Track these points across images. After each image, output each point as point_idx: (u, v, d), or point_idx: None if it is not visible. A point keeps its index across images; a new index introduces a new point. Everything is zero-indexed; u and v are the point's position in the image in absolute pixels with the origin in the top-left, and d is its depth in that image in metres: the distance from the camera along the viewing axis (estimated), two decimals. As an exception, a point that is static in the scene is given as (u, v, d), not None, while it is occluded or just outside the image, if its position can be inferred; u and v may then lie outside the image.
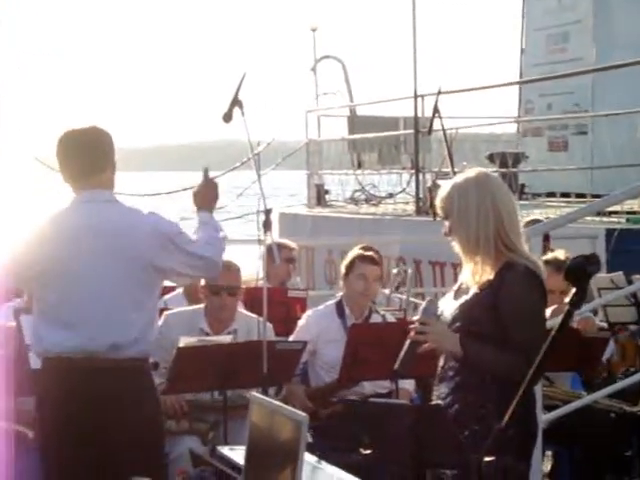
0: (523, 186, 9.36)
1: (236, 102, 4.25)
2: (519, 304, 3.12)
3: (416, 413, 2.89)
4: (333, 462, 2.96)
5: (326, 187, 11.69)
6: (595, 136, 9.58)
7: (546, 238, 5.01)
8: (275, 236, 4.62)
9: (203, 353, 4.33)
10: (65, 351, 3.48)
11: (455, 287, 3.37)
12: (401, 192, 10.92)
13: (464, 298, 3.24)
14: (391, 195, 11.02)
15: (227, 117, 4.27)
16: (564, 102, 10.34)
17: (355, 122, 11.74)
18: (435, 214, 6.73)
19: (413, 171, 9.70)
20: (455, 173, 5.21)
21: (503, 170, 8.67)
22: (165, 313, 4.65)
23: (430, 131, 5.29)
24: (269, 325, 4.42)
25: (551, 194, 9.14)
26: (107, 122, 3.72)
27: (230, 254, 3.82)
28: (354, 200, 11.25)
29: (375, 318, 5.00)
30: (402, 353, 3.18)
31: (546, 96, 10.61)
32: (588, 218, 5.92)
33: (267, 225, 4.34)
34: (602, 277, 5.14)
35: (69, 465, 3.47)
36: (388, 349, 4.40)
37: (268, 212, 4.33)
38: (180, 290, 5.42)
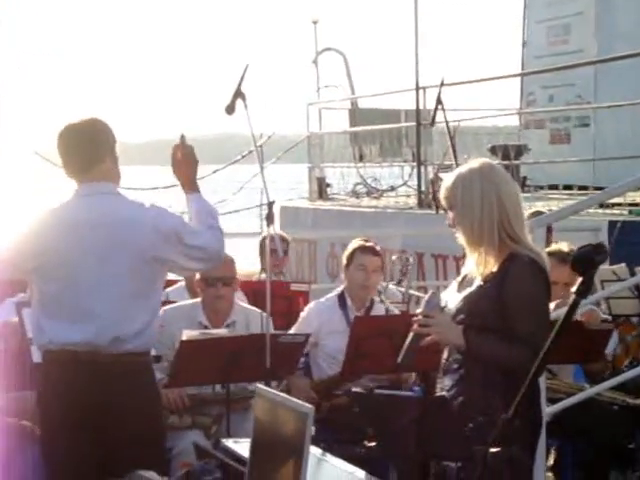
0: (525, 178, 9.34)
1: (239, 94, 4.23)
2: (523, 296, 3.11)
3: (421, 405, 2.89)
4: (338, 454, 2.96)
5: (327, 180, 11.67)
6: (597, 128, 9.56)
7: (548, 230, 5.01)
8: (276, 229, 4.60)
9: (206, 346, 4.32)
10: (69, 344, 3.48)
11: (458, 279, 3.37)
12: (403, 185, 10.91)
13: (468, 290, 3.23)
14: (393, 188, 11.01)
15: (230, 109, 4.25)
16: (566, 94, 10.31)
17: (356, 115, 11.71)
18: (438, 207, 6.72)
19: (415, 164, 9.68)
20: (458, 166, 5.19)
21: (505, 162, 8.65)
22: (163, 308, 4.66)
23: (433, 123, 5.27)
24: (265, 317, 4.41)
25: (553, 186, 9.12)
26: (106, 115, 3.71)
27: (231, 247, 3.80)
28: (356, 193, 11.24)
29: (377, 308, 5.01)
30: (405, 346, 3.17)
31: (548, 88, 10.59)
32: (591, 210, 5.91)
33: (269, 218, 4.33)
34: (605, 269, 5.13)
35: (70, 459, 3.47)
36: (391, 342, 4.41)
37: (271, 205, 4.32)
38: (182, 283, 5.42)
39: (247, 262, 7.83)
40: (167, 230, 3.54)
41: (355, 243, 5.08)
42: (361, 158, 11.38)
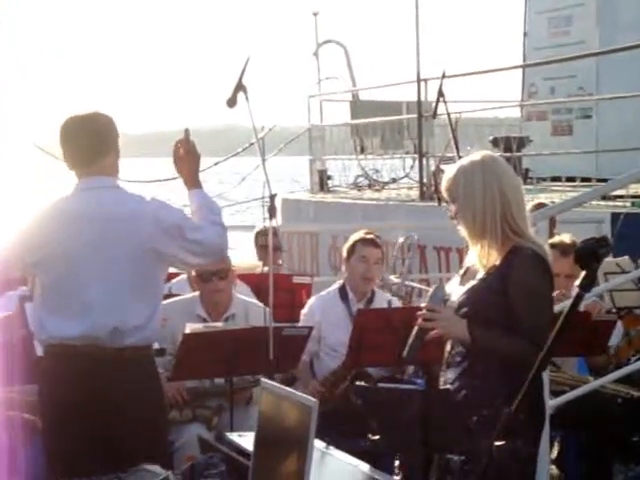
0: (527, 170, 9.32)
1: (240, 87, 4.22)
2: (527, 288, 3.10)
3: (425, 399, 2.88)
4: (341, 448, 2.96)
5: (329, 173, 11.65)
6: (599, 119, 9.54)
7: (551, 222, 4.99)
8: (278, 222, 4.59)
9: (209, 339, 4.32)
10: (68, 338, 3.47)
11: (461, 272, 3.36)
12: (404, 177, 10.89)
13: (471, 283, 3.22)
14: (394, 180, 10.99)
15: (231, 102, 4.24)
16: (568, 85, 10.28)
17: (358, 107, 11.69)
18: (440, 199, 6.70)
19: (416, 156, 9.67)
20: (460, 158, 5.18)
21: (507, 154, 8.63)
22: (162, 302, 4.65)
23: (435, 115, 5.26)
24: (268, 310, 4.42)
25: (556, 178, 9.11)
26: (106, 108, 3.69)
27: (231, 240, 3.79)
28: (357, 185, 11.22)
29: (378, 300, 5.02)
30: (410, 340, 3.17)
31: (549, 80, 10.55)
32: (594, 202, 5.90)
33: (272, 211, 4.33)
34: (608, 261, 5.11)
35: (72, 452, 3.46)
36: (394, 335, 4.41)
37: (273, 198, 4.31)
38: (184, 276, 5.42)
39: (249, 255, 7.82)
40: (168, 224, 3.52)
41: (356, 235, 5.09)
42: (362, 150, 11.36)
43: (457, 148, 5.06)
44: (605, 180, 7.13)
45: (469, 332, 3.12)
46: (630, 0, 9.91)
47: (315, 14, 12.08)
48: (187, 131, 3.69)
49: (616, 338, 4.89)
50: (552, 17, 10.71)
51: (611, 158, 8.67)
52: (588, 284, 2.30)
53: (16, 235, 3.59)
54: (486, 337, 3.13)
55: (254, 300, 5.03)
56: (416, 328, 3.18)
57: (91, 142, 3.56)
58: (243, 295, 5.04)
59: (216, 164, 11.61)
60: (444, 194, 3.26)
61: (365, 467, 2.80)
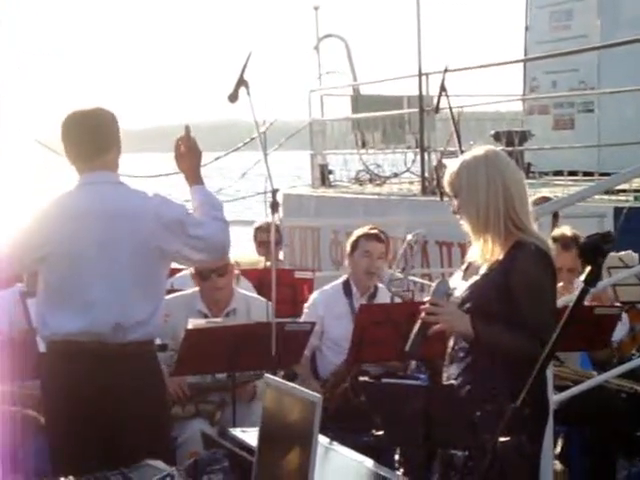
0: (529, 165, 9.30)
1: (242, 82, 4.21)
2: (530, 284, 3.10)
3: (429, 394, 2.87)
4: (345, 443, 2.95)
5: (330, 167, 11.63)
6: (601, 113, 9.51)
7: (555, 217, 4.98)
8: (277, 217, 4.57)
9: (211, 335, 4.32)
10: (71, 334, 3.47)
11: (464, 267, 3.35)
12: (405, 172, 10.86)
13: (474, 278, 3.22)
14: (396, 175, 10.96)
15: (233, 97, 4.23)
16: (569, 79, 10.26)
17: (359, 101, 11.66)
18: (442, 194, 6.69)
19: (418, 150, 9.64)
20: (463, 152, 5.17)
21: (509, 149, 8.61)
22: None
23: (437, 110, 5.24)
24: (271, 305, 4.41)
25: (558, 172, 9.08)
26: (106, 103, 3.69)
27: (233, 235, 3.78)
28: (358, 180, 11.19)
29: (381, 295, 5.02)
30: (412, 334, 3.16)
31: (551, 74, 10.52)
32: (596, 196, 5.87)
33: (274, 206, 4.32)
34: (611, 256, 5.09)
35: (75, 448, 3.46)
36: (396, 330, 4.41)
37: (275, 193, 4.30)
38: (186, 271, 5.41)
39: (249, 250, 7.81)
40: (170, 219, 3.52)
41: (360, 230, 5.10)
42: (363, 145, 11.33)
43: (459, 142, 5.04)
44: (607, 174, 7.10)
45: (472, 327, 3.12)
46: (631, -7, 9.87)
47: (316, 8, 12.04)
48: (188, 128, 3.68)
49: (621, 332, 4.87)
50: (554, 11, 10.68)
51: (613, 152, 8.64)
52: (593, 279, 2.29)
53: (19, 232, 3.58)
54: (489, 332, 3.12)
55: (255, 295, 5.02)
56: (419, 322, 3.17)
57: (94, 137, 3.56)
58: (244, 289, 5.04)
59: (217, 159, 11.59)
60: (447, 188, 3.25)
61: (369, 462, 2.79)
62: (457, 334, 3.22)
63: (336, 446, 2.90)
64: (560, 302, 3.54)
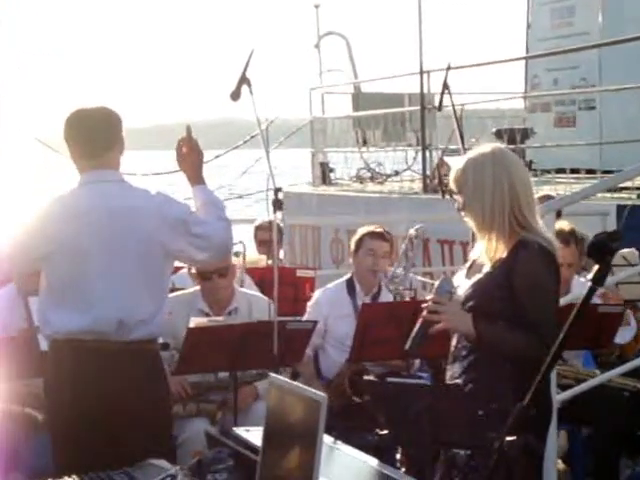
0: (531, 162, 9.28)
1: (244, 80, 4.20)
2: (534, 283, 3.08)
3: (433, 393, 2.86)
4: (349, 443, 2.94)
5: (331, 165, 11.61)
6: (603, 111, 9.49)
7: (558, 215, 4.96)
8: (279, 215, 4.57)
9: (213, 333, 4.31)
10: (73, 332, 3.46)
11: (467, 265, 3.34)
12: (407, 169, 10.85)
13: (477, 277, 3.20)
14: (397, 173, 10.94)
15: (235, 95, 4.22)
16: (570, 77, 10.24)
17: (360, 99, 11.65)
18: (444, 192, 6.67)
19: (419, 148, 9.63)
20: (465, 150, 5.15)
21: (511, 146, 8.59)
22: None
23: (440, 108, 5.22)
24: (272, 304, 4.40)
25: (560, 170, 9.07)
26: (106, 101, 3.68)
27: (234, 234, 3.77)
28: (359, 178, 11.18)
29: (385, 294, 5.00)
30: (413, 332, 3.14)
31: (552, 71, 10.51)
32: (599, 194, 5.85)
33: (276, 204, 4.30)
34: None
35: (78, 447, 3.45)
36: (399, 329, 4.39)
37: (277, 191, 4.28)
38: (185, 270, 5.40)
39: (249, 249, 7.79)
40: (173, 218, 3.52)
41: (364, 229, 5.08)
42: (364, 142, 11.32)
43: (462, 140, 5.03)
44: (610, 172, 7.09)
45: (474, 327, 3.10)
46: (634, -10, 9.84)
47: (316, 6, 12.03)
48: (189, 128, 3.69)
49: (630, 333, 4.85)
50: (555, 8, 10.65)
51: (615, 149, 8.63)
52: (601, 278, 2.28)
53: (21, 231, 3.57)
54: (491, 332, 3.11)
55: (257, 293, 5.01)
56: (420, 320, 3.15)
57: (98, 135, 3.55)
58: (248, 289, 5.03)
59: (217, 157, 11.58)
60: (452, 185, 3.23)
61: (374, 462, 2.78)
62: (459, 333, 3.20)
63: (340, 445, 2.89)
64: (563, 301, 3.53)
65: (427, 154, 9.28)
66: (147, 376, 3.52)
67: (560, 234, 4.63)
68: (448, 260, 7.83)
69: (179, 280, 5.33)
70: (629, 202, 6.58)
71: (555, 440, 3.99)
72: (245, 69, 4.19)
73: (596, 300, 4.51)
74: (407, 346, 3.13)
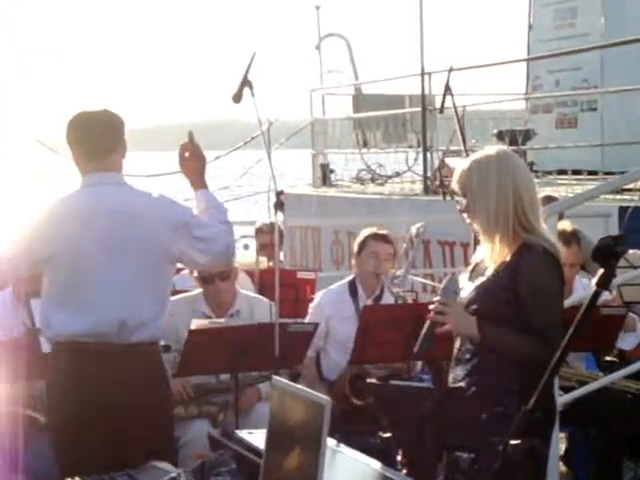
0: (532, 164, 9.28)
1: (246, 82, 4.19)
2: (538, 288, 3.07)
3: (437, 396, 2.84)
4: (352, 445, 2.93)
5: (331, 167, 11.61)
6: (605, 112, 9.49)
7: (560, 217, 4.95)
8: (280, 217, 4.56)
9: (214, 335, 4.30)
10: (75, 334, 3.45)
11: (469, 268, 3.33)
12: (407, 171, 10.85)
13: (480, 280, 3.19)
14: (397, 174, 10.95)
15: (237, 97, 4.22)
16: (572, 78, 10.24)
17: (360, 100, 11.65)
18: (444, 193, 6.66)
19: (419, 149, 9.63)
20: (467, 151, 5.14)
21: (513, 148, 8.59)
22: None
23: (442, 110, 5.22)
24: (274, 306, 4.39)
25: (562, 171, 9.07)
26: (106, 102, 3.67)
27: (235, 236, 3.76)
28: (360, 179, 11.18)
29: (387, 297, 4.98)
30: (421, 335, 3.13)
31: (554, 72, 10.51)
32: (601, 196, 5.84)
33: (278, 207, 4.29)
34: (616, 255, 5.04)
35: (80, 449, 3.44)
36: (401, 331, 4.39)
37: (279, 194, 4.27)
38: (186, 271, 5.39)
39: (251, 250, 7.77)
40: (175, 220, 3.52)
41: (367, 231, 5.06)
42: (365, 144, 11.32)
43: (464, 142, 5.02)
44: (611, 173, 7.08)
45: (479, 329, 3.09)
46: (636, -9, 9.83)
47: (317, 7, 12.04)
48: (191, 133, 3.70)
49: (636, 340, 4.83)
50: (557, 9, 10.64)
51: (617, 151, 8.63)
52: (606, 282, 2.27)
53: (23, 233, 3.56)
54: (495, 335, 3.10)
55: (258, 295, 5.00)
56: (428, 322, 3.14)
57: (100, 138, 3.56)
58: (244, 287, 5.01)
59: (217, 158, 11.57)
60: (455, 187, 3.22)
61: (377, 465, 2.77)
62: (463, 336, 3.19)
63: (343, 448, 2.88)
64: (566, 303, 3.52)
65: (428, 155, 9.27)
66: (149, 378, 3.52)
67: (562, 234, 4.63)
68: (449, 261, 7.83)
69: (180, 282, 5.31)
70: (631, 204, 6.56)
71: (557, 443, 3.98)
72: (247, 72, 4.19)
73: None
74: (416, 348, 3.12)
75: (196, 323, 4.38)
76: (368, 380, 3.14)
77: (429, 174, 9.17)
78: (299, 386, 2.40)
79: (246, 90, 4.20)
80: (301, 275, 5.81)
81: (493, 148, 3.23)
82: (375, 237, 4.97)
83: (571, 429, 4.73)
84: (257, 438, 2.78)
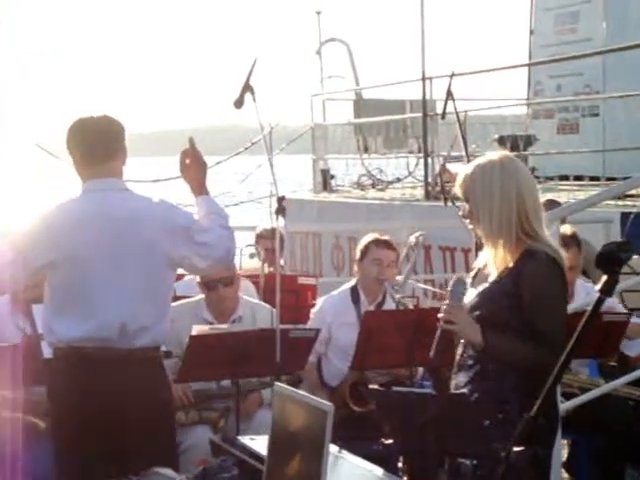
0: (533, 169, 9.28)
1: (247, 88, 4.19)
2: (541, 295, 3.07)
3: (440, 403, 2.83)
4: (354, 452, 2.92)
5: (332, 172, 11.61)
6: (607, 118, 9.48)
7: (562, 222, 4.94)
8: (281, 222, 4.56)
9: (215, 341, 4.29)
10: (77, 339, 3.45)
11: (472, 274, 3.32)
12: (408, 176, 10.85)
13: (483, 286, 3.18)
14: (398, 180, 10.95)
15: (239, 103, 4.22)
16: (574, 83, 10.24)
17: (361, 106, 11.65)
18: (445, 199, 6.66)
19: (420, 155, 9.63)
20: (468, 156, 5.13)
21: (514, 153, 8.58)
22: None
23: (444, 116, 5.21)
24: (275, 312, 4.38)
25: (563, 177, 9.06)
26: (107, 107, 3.67)
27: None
28: (360, 185, 11.18)
29: (389, 303, 4.97)
30: (435, 340, 3.13)
31: (555, 77, 10.51)
32: (603, 202, 5.83)
33: (279, 212, 4.29)
34: (618, 262, 5.03)
35: (81, 455, 3.44)
36: (402, 337, 4.38)
37: (281, 200, 4.27)
38: (190, 276, 5.37)
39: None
40: (176, 226, 3.52)
41: (369, 237, 5.03)
42: (366, 149, 11.32)
43: (466, 147, 5.02)
44: (613, 179, 7.07)
45: (482, 336, 3.08)
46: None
47: (318, 12, 12.04)
48: (192, 140, 3.69)
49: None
50: (559, 14, 10.64)
51: (619, 156, 8.62)
52: (609, 288, 2.26)
53: (24, 239, 3.55)
54: (498, 341, 3.09)
55: (260, 302, 4.99)
56: (439, 329, 3.14)
57: (101, 144, 3.56)
58: (247, 294, 5.00)
59: (217, 163, 11.57)
60: (458, 192, 3.21)
61: (379, 471, 2.76)
62: (466, 342, 3.18)
63: (345, 454, 2.87)
64: (569, 309, 3.50)
65: (429, 161, 9.27)
66: (150, 384, 3.51)
67: (562, 238, 4.62)
68: (450, 267, 7.82)
69: (182, 288, 5.30)
70: (633, 209, 6.55)
71: (559, 449, 3.97)
72: (248, 77, 4.19)
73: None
74: (431, 353, 3.12)
75: (197, 329, 4.37)
76: (370, 386, 3.12)
77: (430, 180, 9.16)
78: (301, 392, 2.39)
79: (247, 95, 4.20)
80: (302, 281, 5.80)
81: (496, 153, 3.23)
82: (378, 243, 4.95)
83: (573, 436, 4.72)
84: (259, 444, 2.78)
